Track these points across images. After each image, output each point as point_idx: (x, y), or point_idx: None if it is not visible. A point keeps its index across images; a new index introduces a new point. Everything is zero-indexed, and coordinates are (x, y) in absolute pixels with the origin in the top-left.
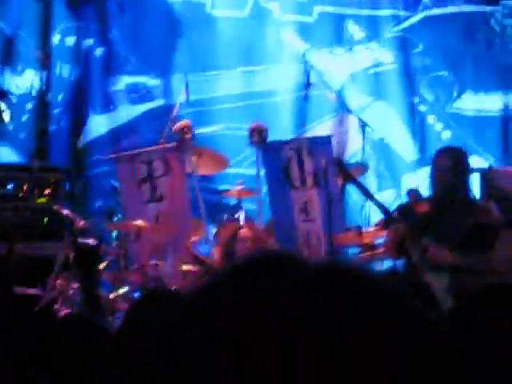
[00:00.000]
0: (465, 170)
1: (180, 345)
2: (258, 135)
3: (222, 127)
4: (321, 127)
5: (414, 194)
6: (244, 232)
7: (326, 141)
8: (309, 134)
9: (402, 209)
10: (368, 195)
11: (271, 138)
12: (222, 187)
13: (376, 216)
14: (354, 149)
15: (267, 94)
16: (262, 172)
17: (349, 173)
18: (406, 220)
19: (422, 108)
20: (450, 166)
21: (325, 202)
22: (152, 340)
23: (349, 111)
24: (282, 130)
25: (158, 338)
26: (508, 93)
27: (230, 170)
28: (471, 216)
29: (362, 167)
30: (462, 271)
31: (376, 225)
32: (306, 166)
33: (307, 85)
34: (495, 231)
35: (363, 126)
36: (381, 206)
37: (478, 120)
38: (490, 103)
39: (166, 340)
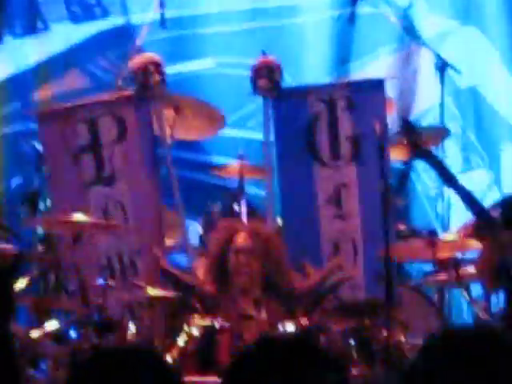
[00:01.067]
0: None
1: None
2: (267, 77)
3: (213, 63)
4: (374, 67)
5: None
6: (244, 235)
7: (376, 86)
8: (354, 78)
9: (507, 205)
10: (448, 179)
11: (292, 82)
12: (213, 160)
13: (461, 214)
14: (427, 103)
15: (286, 12)
16: (272, 137)
17: (418, 142)
18: None
19: None
20: None
21: (370, 187)
22: None
23: (420, 42)
24: (309, 71)
25: None
26: None
27: (227, 133)
28: None
29: (440, 133)
30: None
31: (462, 229)
32: (341, 128)
33: None
34: None
35: (443, 65)
36: (469, 197)
37: None
38: None
39: None
